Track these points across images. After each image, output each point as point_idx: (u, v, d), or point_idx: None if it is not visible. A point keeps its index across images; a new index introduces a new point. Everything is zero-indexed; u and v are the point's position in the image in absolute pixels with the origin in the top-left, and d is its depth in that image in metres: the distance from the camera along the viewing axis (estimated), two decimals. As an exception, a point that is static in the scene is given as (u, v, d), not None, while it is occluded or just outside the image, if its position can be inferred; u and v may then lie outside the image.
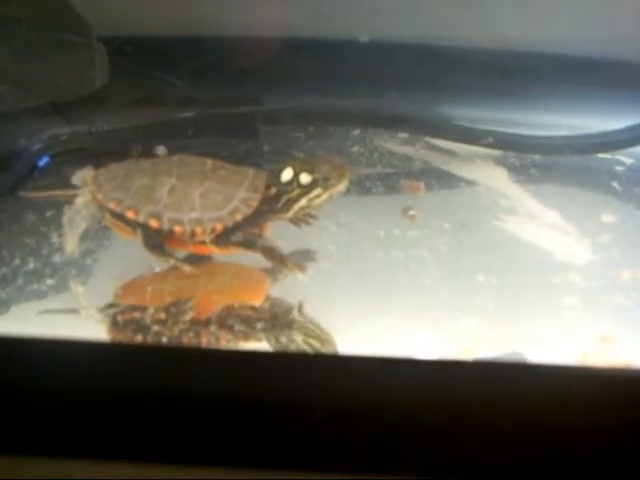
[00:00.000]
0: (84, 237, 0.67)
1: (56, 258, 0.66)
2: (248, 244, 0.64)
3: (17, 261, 0.65)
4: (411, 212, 0.75)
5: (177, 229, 0.63)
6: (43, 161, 0.82)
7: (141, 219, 0.63)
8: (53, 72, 0.89)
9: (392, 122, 0.93)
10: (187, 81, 0.95)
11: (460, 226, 0.73)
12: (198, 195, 0.63)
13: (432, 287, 0.64)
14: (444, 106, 0.95)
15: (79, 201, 0.66)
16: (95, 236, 0.68)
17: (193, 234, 0.63)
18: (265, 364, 0.49)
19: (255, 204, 0.63)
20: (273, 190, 0.64)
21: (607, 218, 0.76)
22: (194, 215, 0.63)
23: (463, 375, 0.50)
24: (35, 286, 0.63)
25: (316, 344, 0.57)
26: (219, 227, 0.63)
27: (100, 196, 0.64)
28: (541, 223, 0.75)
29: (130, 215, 0.63)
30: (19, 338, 0.52)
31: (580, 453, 0.49)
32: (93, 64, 0.91)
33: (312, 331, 0.59)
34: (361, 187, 0.81)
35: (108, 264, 0.68)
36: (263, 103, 0.94)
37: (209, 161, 0.65)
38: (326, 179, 0.63)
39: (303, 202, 0.64)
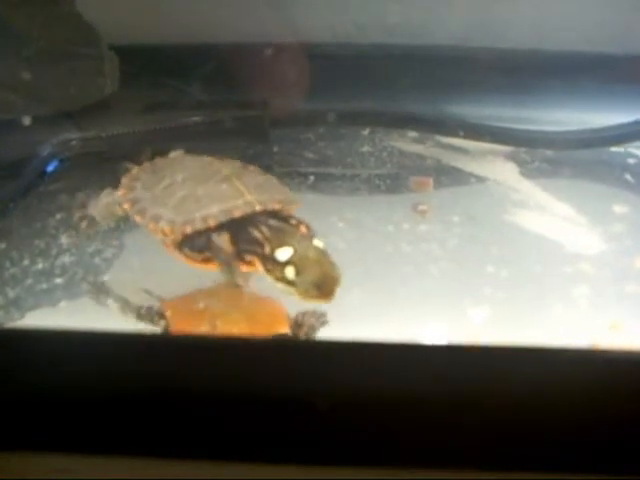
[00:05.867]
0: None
1: (65, 259, 0.66)
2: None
3: (26, 262, 0.66)
4: (421, 207, 0.75)
5: (138, 219, 0.63)
6: (52, 166, 0.82)
7: (123, 200, 0.64)
8: (63, 80, 0.90)
9: (401, 121, 0.93)
10: (196, 87, 0.95)
11: (470, 220, 0.73)
12: (180, 197, 0.62)
13: (441, 279, 0.64)
14: (454, 105, 0.95)
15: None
16: (104, 236, 0.69)
17: (148, 228, 0.62)
18: (265, 352, 0.49)
19: (212, 223, 0.60)
20: (267, 249, 0.59)
21: (619, 209, 0.75)
22: (157, 211, 0.62)
23: (470, 360, 0.50)
24: (44, 285, 0.63)
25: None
26: (168, 231, 0.61)
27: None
28: (552, 215, 0.75)
29: (126, 206, 0.64)
30: (33, 330, 0.52)
31: (591, 436, 0.48)
32: (102, 72, 0.92)
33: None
34: (370, 185, 0.81)
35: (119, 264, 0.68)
36: (272, 106, 0.94)
37: (226, 170, 0.64)
38: (307, 290, 0.57)
39: (278, 285, 0.58)
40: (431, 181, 0.81)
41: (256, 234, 0.59)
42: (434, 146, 0.91)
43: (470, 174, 0.84)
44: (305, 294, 0.57)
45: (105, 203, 0.67)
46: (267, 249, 0.59)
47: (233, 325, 0.60)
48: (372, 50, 0.99)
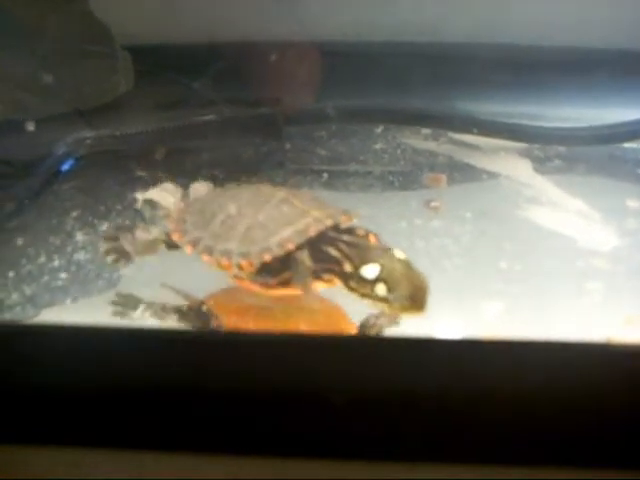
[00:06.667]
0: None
1: (80, 256, 0.67)
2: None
3: (42, 259, 0.66)
4: (433, 203, 0.75)
5: (205, 257, 0.60)
6: (67, 165, 0.83)
7: (181, 243, 0.62)
8: (77, 79, 0.90)
9: (414, 118, 0.93)
10: (209, 86, 0.96)
11: (482, 216, 0.73)
12: (244, 228, 0.59)
13: (454, 273, 0.64)
14: (467, 102, 0.95)
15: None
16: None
17: (219, 264, 0.59)
18: (281, 347, 0.49)
19: (291, 246, 0.58)
20: (347, 267, 0.57)
21: (633, 204, 0.75)
22: (226, 246, 0.59)
23: (485, 355, 0.50)
24: (60, 282, 0.64)
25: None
26: (245, 264, 0.58)
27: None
28: (565, 211, 0.75)
29: (175, 237, 0.62)
30: (49, 326, 0.53)
31: (607, 431, 0.48)
32: (116, 70, 0.92)
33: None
34: (383, 182, 0.82)
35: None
36: (284, 104, 0.94)
37: (280, 193, 0.61)
38: (401, 305, 0.55)
39: (365, 302, 0.57)
40: (444, 177, 0.81)
41: (333, 252, 0.58)
42: (447, 143, 0.91)
43: (483, 170, 0.84)
44: (399, 309, 0.55)
45: (144, 240, 0.65)
46: (348, 267, 0.57)
47: (289, 323, 0.59)
48: (384, 47, 0.99)
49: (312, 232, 0.58)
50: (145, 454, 0.49)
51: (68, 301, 0.63)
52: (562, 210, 0.75)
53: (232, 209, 0.60)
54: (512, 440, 0.49)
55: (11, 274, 0.65)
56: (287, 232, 0.58)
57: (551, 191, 0.79)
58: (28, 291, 0.63)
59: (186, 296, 0.62)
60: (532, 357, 0.49)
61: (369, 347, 0.51)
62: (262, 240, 0.58)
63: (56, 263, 0.66)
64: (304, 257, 0.58)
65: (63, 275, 0.65)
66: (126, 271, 0.66)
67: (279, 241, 0.57)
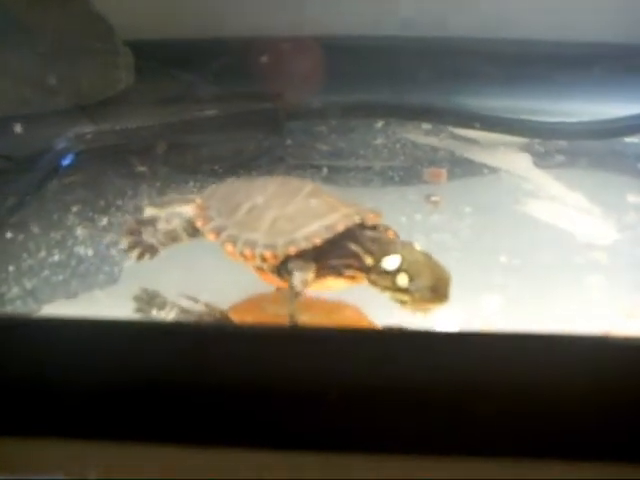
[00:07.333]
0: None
1: (81, 250, 0.67)
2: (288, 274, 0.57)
3: (43, 253, 0.66)
4: (433, 198, 0.75)
5: (228, 247, 0.58)
6: (68, 159, 0.83)
7: (204, 230, 0.60)
8: (78, 75, 0.90)
9: (416, 113, 0.93)
10: (209, 81, 0.96)
11: (482, 210, 0.73)
12: (270, 219, 0.58)
13: (454, 267, 0.64)
14: (468, 97, 0.95)
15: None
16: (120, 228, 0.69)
17: (243, 255, 0.58)
18: (277, 342, 0.49)
19: (318, 241, 0.56)
20: (368, 260, 0.56)
21: (633, 198, 0.75)
22: (251, 237, 0.58)
23: (483, 348, 0.50)
24: (60, 277, 0.64)
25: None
26: (268, 256, 0.57)
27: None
28: (564, 205, 0.75)
29: (199, 223, 0.61)
30: (54, 319, 0.53)
31: (606, 424, 0.48)
32: (117, 66, 0.92)
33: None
34: (383, 177, 0.82)
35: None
36: (285, 99, 0.94)
37: (309, 186, 0.61)
38: (422, 295, 0.54)
39: (386, 295, 0.56)
40: (445, 172, 0.82)
41: (354, 247, 0.57)
42: (447, 138, 0.91)
43: (483, 165, 0.84)
44: (421, 300, 0.55)
45: (166, 231, 0.64)
46: (368, 260, 0.56)
47: None
48: (386, 42, 0.99)
49: (340, 227, 0.57)
50: (147, 447, 0.49)
51: (68, 295, 0.63)
52: (562, 204, 0.75)
53: (259, 199, 0.60)
54: (511, 433, 0.49)
55: (12, 268, 0.65)
56: (315, 226, 0.57)
57: (551, 185, 0.79)
58: (29, 285, 0.63)
59: (207, 306, 0.62)
60: (531, 350, 0.49)
61: (367, 340, 0.51)
62: (289, 232, 0.57)
63: (57, 257, 0.66)
64: (298, 280, 0.57)
65: (63, 269, 0.65)
66: (126, 265, 0.66)
67: (306, 235, 0.56)
